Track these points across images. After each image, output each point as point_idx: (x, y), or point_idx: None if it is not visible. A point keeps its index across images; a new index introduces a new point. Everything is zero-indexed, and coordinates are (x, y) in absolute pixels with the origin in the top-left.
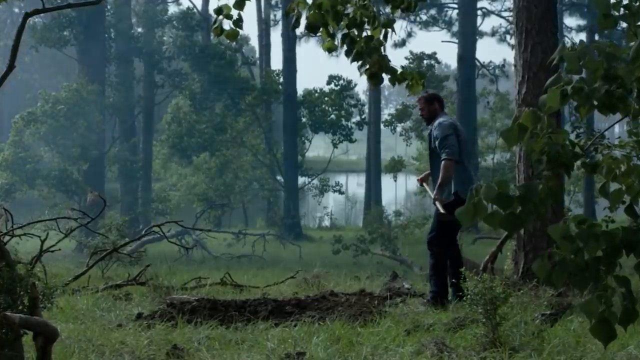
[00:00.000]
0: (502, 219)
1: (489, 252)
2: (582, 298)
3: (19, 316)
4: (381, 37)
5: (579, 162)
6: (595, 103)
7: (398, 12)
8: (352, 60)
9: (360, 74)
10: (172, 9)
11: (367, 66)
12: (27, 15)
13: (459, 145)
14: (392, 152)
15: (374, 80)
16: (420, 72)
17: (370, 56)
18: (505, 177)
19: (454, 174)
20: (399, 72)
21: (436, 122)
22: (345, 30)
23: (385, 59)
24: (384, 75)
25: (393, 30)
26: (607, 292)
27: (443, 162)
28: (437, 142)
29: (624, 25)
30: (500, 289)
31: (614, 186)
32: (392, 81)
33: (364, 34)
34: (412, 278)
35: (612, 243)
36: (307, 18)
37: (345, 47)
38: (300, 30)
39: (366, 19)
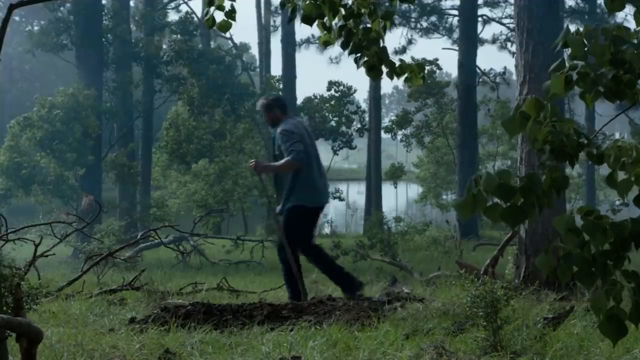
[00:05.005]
0: (504, 211)
1: (490, 258)
2: (584, 302)
3: (1, 316)
4: (380, 29)
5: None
6: (602, 90)
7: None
8: (350, 53)
9: (358, 67)
10: (172, 16)
11: (366, 58)
12: (12, 7)
13: (307, 152)
14: (392, 159)
15: (373, 73)
16: (419, 64)
17: (368, 48)
18: None
19: (299, 184)
20: (397, 65)
21: (279, 129)
22: (342, 22)
23: (384, 51)
24: (383, 69)
25: (392, 22)
26: (616, 287)
27: (285, 159)
28: (282, 149)
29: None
30: (501, 291)
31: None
32: (390, 75)
33: (362, 26)
34: (411, 283)
35: (621, 235)
36: (302, 9)
37: (341, 40)
38: (299, 36)
39: (365, 10)
